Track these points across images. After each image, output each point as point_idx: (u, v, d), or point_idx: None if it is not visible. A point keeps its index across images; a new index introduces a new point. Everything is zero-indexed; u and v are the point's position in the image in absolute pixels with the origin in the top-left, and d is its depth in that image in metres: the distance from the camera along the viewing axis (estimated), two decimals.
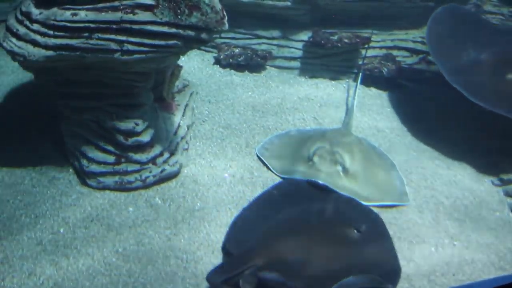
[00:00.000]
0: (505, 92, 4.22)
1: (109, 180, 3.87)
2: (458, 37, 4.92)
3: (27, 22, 3.56)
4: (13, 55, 3.53)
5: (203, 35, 3.51)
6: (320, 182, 3.87)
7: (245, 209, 3.59)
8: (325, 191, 3.78)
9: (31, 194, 3.85)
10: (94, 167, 3.88)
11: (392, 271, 3.09)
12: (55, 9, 3.47)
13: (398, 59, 5.80)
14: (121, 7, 3.45)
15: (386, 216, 3.66)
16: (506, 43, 4.80)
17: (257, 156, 4.38)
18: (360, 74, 5.52)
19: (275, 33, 6.08)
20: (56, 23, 3.43)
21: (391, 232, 3.43)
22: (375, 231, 3.29)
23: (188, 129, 4.48)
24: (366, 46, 5.65)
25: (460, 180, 4.22)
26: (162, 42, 3.46)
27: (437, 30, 4.96)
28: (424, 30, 6.01)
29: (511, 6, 6.15)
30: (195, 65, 6.02)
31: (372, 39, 5.78)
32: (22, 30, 3.56)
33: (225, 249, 3.37)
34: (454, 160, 4.47)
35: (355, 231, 3.22)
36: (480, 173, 4.32)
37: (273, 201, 3.67)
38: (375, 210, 3.69)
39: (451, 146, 4.60)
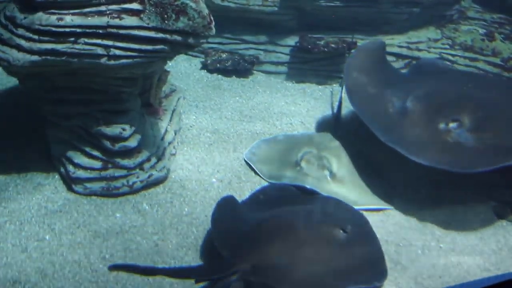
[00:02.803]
0: (442, 142, 3.83)
1: (96, 186, 3.84)
2: (377, 84, 4.40)
3: (11, 27, 3.53)
4: None
5: (190, 40, 3.51)
6: (308, 186, 3.89)
7: (232, 211, 3.59)
8: (311, 194, 3.80)
9: (15, 201, 3.80)
10: (80, 173, 3.84)
11: (379, 273, 3.11)
12: (40, 14, 3.45)
13: None
14: (108, 12, 3.43)
15: (373, 219, 3.68)
16: (423, 87, 4.27)
17: (245, 161, 4.38)
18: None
19: (262, 38, 6.12)
20: (41, 27, 3.40)
21: (378, 235, 3.45)
22: (361, 232, 3.31)
23: (175, 134, 4.47)
24: (350, 51, 5.70)
25: None
26: (149, 47, 3.45)
27: (356, 78, 4.45)
28: (409, 35, 6.11)
29: (494, 12, 6.28)
30: (182, 70, 6.02)
31: (358, 44, 5.83)
32: (6, 34, 3.52)
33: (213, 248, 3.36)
34: None
35: (341, 231, 3.24)
36: None
37: (260, 203, 3.67)
38: (363, 212, 3.71)
39: None
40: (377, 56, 4.78)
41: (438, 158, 3.66)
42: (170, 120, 4.48)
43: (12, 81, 4.78)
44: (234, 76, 5.90)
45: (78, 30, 3.39)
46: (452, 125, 3.86)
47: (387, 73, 4.66)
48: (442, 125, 3.88)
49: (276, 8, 5.85)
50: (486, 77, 4.74)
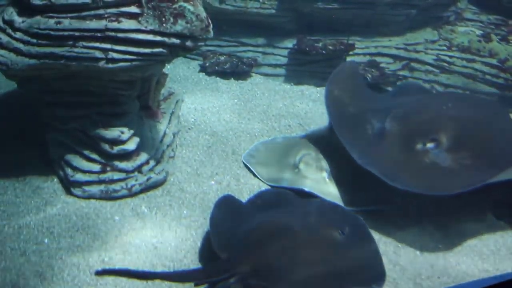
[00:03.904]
0: (419, 164, 3.70)
1: (95, 189, 3.84)
2: (358, 104, 4.29)
3: (9, 31, 3.54)
4: None
5: (189, 43, 3.52)
6: (306, 189, 3.90)
7: (231, 212, 3.59)
8: (308, 197, 3.81)
9: (14, 205, 3.79)
10: (79, 176, 3.84)
11: (377, 275, 3.12)
12: (38, 18, 3.45)
13: (381, 65, 5.89)
14: (106, 15, 3.44)
15: (370, 220, 3.69)
16: (402, 107, 4.15)
17: (244, 163, 4.39)
18: None
19: (261, 40, 6.13)
20: (39, 31, 3.41)
21: (376, 237, 3.46)
22: (359, 234, 3.31)
23: (174, 137, 4.48)
24: (348, 53, 5.73)
25: None
26: (147, 50, 3.46)
27: (337, 97, 4.32)
28: (407, 37, 6.14)
29: (490, 13, 6.30)
30: (180, 73, 6.03)
31: (356, 46, 5.86)
32: (4, 38, 3.53)
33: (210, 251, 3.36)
34: None
35: (339, 233, 3.25)
36: None
37: (258, 206, 3.67)
38: (361, 214, 3.71)
39: None
40: (357, 77, 4.73)
41: (414, 181, 3.55)
42: (169, 123, 4.49)
43: (11, 85, 4.78)
44: (232, 79, 5.91)
45: (77, 33, 3.40)
46: (429, 145, 3.76)
47: (367, 94, 4.59)
48: (419, 146, 3.78)
49: (274, 11, 5.87)
50: (466, 97, 4.61)
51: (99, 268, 3.26)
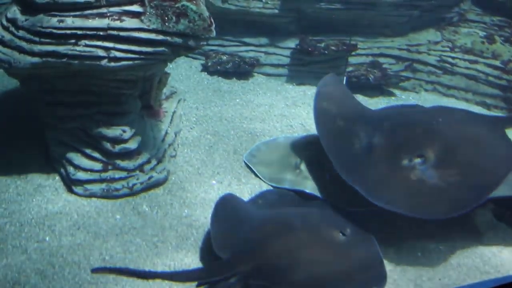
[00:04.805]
0: (405, 181, 3.52)
1: (96, 188, 3.84)
2: (346, 117, 4.13)
3: (12, 29, 3.54)
4: None
5: (191, 42, 3.52)
6: (307, 190, 3.89)
7: (232, 211, 3.59)
8: (309, 198, 3.80)
9: (16, 203, 3.80)
10: (80, 175, 3.85)
11: (378, 275, 3.11)
12: (41, 16, 3.46)
13: (384, 66, 5.88)
14: (108, 14, 3.45)
15: (370, 220, 3.68)
16: (391, 121, 3.98)
17: (245, 163, 4.39)
18: (344, 79, 5.57)
19: (263, 40, 6.13)
20: (42, 29, 3.42)
21: (377, 238, 3.45)
22: (360, 235, 3.31)
23: (175, 136, 4.48)
24: (351, 53, 5.72)
25: None
26: (150, 49, 3.46)
27: (325, 109, 4.15)
28: (409, 37, 6.13)
29: (493, 15, 6.29)
30: (182, 72, 6.03)
31: (358, 46, 5.85)
32: (7, 36, 3.54)
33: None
34: None
35: (341, 234, 3.24)
36: None
37: (259, 206, 3.67)
38: (362, 215, 3.71)
39: None
40: (343, 88, 4.57)
41: (399, 200, 3.37)
42: (170, 122, 4.49)
43: (13, 83, 4.79)
44: (234, 78, 5.91)
45: (79, 32, 3.41)
46: (416, 160, 3.59)
47: (355, 104, 4.43)
48: (406, 162, 3.59)
49: (276, 11, 5.87)
50: (457, 111, 4.30)
51: (99, 266, 3.26)
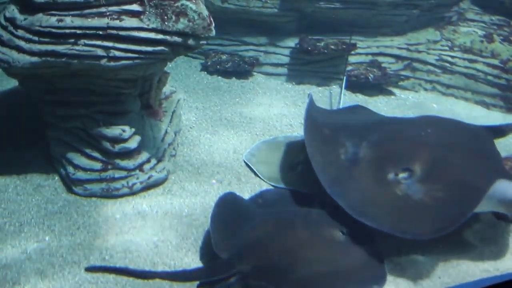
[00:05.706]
0: (389, 196, 3.37)
1: (96, 187, 3.84)
2: (333, 124, 4.01)
3: (11, 28, 3.54)
4: None
5: (190, 42, 3.52)
6: (307, 190, 3.89)
7: (232, 210, 3.58)
8: (309, 196, 3.81)
9: (15, 202, 3.80)
10: (80, 174, 3.85)
11: (378, 275, 3.11)
12: (40, 15, 3.45)
13: (383, 65, 5.88)
14: (108, 13, 3.44)
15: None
16: (377, 133, 3.83)
17: (245, 162, 4.39)
18: (344, 78, 5.58)
19: (263, 39, 6.13)
20: (41, 29, 3.41)
21: (377, 237, 3.45)
22: (360, 234, 3.31)
23: (175, 135, 4.48)
24: (350, 53, 5.72)
25: None
26: (149, 49, 3.46)
27: (314, 116, 4.04)
28: (408, 37, 6.13)
29: (493, 14, 6.29)
30: (182, 71, 6.03)
31: (358, 45, 5.85)
32: (6, 36, 3.53)
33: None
34: None
35: (340, 233, 3.24)
36: None
37: (259, 206, 3.67)
38: None
39: None
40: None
41: (382, 217, 3.22)
42: (170, 122, 4.49)
43: (12, 82, 4.78)
44: (234, 78, 5.91)
45: (78, 31, 3.40)
46: (402, 175, 3.44)
47: (345, 117, 4.33)
48: (391, 176, 3.44)
49: (276, 10, 5.86)
50: (446, 122, 4.13)
51: (93, 265, 3.25)
